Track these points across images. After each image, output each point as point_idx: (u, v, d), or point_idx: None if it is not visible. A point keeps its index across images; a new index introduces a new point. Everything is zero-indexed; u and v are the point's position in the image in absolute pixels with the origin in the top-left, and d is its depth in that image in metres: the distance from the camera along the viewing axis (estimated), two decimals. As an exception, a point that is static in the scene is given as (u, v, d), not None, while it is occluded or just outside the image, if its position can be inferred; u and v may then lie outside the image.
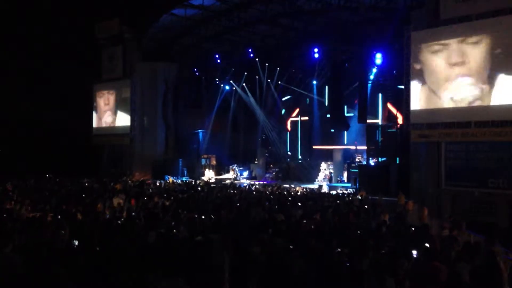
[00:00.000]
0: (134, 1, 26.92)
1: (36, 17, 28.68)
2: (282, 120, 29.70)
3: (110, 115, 30.45)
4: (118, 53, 29.51)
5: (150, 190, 18.09)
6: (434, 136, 16.09)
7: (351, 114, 24.28)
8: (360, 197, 16.14)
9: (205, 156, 28.89)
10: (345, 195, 18.01)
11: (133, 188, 19.44)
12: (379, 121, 23.80)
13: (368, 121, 21.94)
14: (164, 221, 9.50)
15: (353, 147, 24.18)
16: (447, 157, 15.95)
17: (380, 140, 20.90)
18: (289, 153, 29.06)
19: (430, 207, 13.61)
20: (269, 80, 27.21)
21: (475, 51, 14.95)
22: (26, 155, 27.60)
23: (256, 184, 23.40)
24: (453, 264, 6.16)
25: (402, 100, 18.20)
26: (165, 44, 28.76)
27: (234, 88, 28.80)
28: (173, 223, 9.23)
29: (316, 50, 22.71)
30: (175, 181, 24.38)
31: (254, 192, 18.37)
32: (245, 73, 27.57)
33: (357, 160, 23.06)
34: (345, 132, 25.19)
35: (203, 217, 10.01)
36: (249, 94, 28.16)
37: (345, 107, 23.90)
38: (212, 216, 10.28)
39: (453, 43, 15.46)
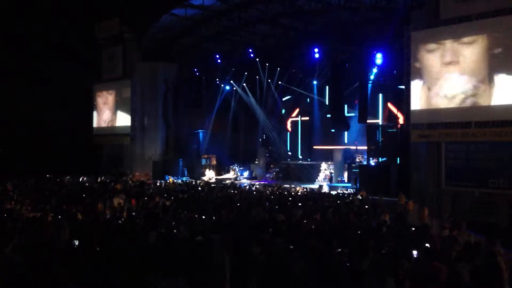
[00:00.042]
0: (134, 1, 26.92)
1: (36, 17, 28.67)
2: (282, 120, 29.71)
3: (110, 115, 30.46)
4: (118, 53, 29.53)
5: (151, 190, 18.09)
6: (435, 136, 16.09)
7: (352, 114, 24.29)
8: (360, 197, 16.15)
9: (206, 156, 28.90)
10: (346, 195, 18.01)
11: (133, 188, 19.45)
12: (379, 121, 23.80)
13: (368, 121, 21.94)
14: (164, 221, 9.50)
15: (353, 147, 24.19)
16: (447, 157, 15.96)
17: (380, 140, 20.89)
18: (289, 153, 29.06)
19: (430, 207, 13.61)
20: (269, 80, 27.23)
21: (473, 50, 14.96)
22: (26, 155, 27.59)
23: (257, 184, 23.39)
24: (453, 264, 6.16)
25: (402, 100, 18.21)
26: (165, 44, 28.76)
27: (234, 88, 28.81)
28: (173, 223, 9.24)
29: (316, 50, 22.73)
30: (175, 181, 24.39)
31: (255, 192, 18.37)
32: (246, 73, 27.58)
33: (357, 160, 23.08)
34: (346, 132, 25.19)
35: (203, 217, 10.01)
36: (250, 94, 28.17)
37: (346, 107, 23.90)
38: (213, 216, 10.29)
39: (451, 42, 15.48)
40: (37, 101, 28.92)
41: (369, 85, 22.30)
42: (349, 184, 21.97)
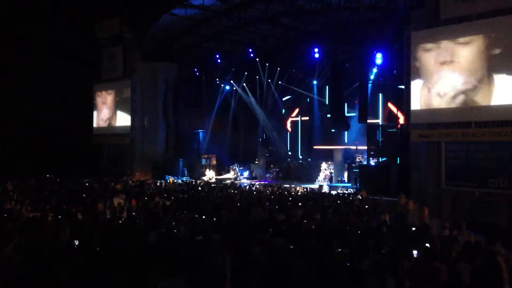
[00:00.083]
0: (134, 1, 26.91)
1: (36, 17, 28.66)
2: (282, 120, 29.67)
3: (110, 115, 30.46)
4: (118, 53, 29.53)
5: (151, 190, 18.09)
6: (434, 136, 16.10)
7: (352, 114, 24.26)
8: (360, 197, 16.15)
9: (206, 156, 28.91)
10: (346, 195, 18.01)
11: (133, 188, 19.45)
12: (379, 121, 23.77)
13: (368, 121, 21.93)
14: (164, 221, 9.51)
15: (353, 147, 24.19)
16: (447, 157, 15.97)
17: (380, 140, 20.89)
18: (289, 153, 29.06)
19: (430, 207, 13.61)
20: (269, 80, 27.22)
21: (472, 50, 14.97)
22: (26, 155, 27.58)
23: (257, 184, 23.40)
24: (454, 264, 6.16)
25: (402, 100, 18.21)
26: (165, 44, 28.75)
27: (234, 88, 28.79)
28: (173, 223, 9.25)
29: (316, 50, 22.72)
30: (175, 181, 24.39)
31: (255, 192, 18.37)
32: (246, 73, 27.56)
33: (357, 160, 23.08)
34: (346, 132, 25.18)
35: (203, 217, 10.01)
36: (250, 94, 28.14)
37: (346, 107, 23.90)
38: (213, 216, 10.28)
39: (451, 42, 15.48)
40: (37, 101, 28.91)
41: (369, 85, 22.28)
42: (349, 184, 21.97)
